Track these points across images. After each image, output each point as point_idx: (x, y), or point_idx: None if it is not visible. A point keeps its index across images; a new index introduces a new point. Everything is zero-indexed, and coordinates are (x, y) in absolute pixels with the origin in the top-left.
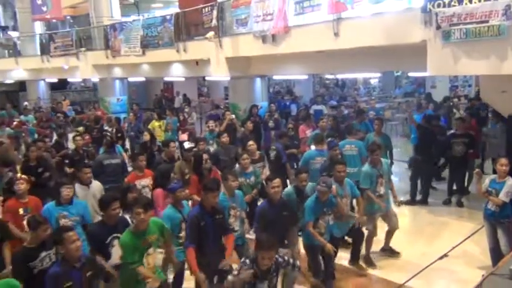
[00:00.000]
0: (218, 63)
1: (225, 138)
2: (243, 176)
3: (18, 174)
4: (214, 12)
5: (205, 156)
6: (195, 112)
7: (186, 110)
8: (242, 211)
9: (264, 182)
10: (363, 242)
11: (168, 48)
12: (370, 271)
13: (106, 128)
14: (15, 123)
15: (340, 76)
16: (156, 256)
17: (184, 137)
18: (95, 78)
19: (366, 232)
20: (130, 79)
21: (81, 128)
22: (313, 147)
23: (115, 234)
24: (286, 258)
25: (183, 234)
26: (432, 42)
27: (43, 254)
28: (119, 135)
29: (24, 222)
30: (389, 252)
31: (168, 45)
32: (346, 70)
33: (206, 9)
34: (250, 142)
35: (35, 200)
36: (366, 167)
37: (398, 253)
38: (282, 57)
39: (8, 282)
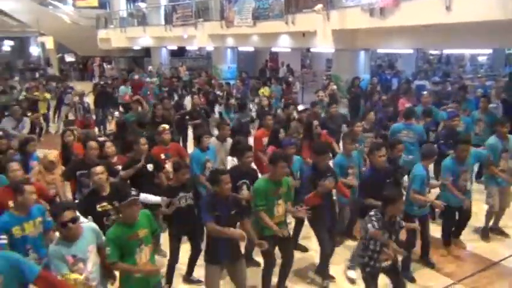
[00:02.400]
0: (324, 36)
1: (334, 108)
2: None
3: (164, 125)
4: None
5: (315, 122)
6: (298, 82)
7: (290, 79)
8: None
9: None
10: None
11: (277, 20)
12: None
13: (218, 92)
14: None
15: (446, 51)
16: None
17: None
18: (210, 47)
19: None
20: (241, 49)
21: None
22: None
23: (245, 180)
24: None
25: None
26: None
27: (181, 194)
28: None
29: (166, 165)
30: (497, 232)
31: (277, 17)
32: (455, 45)
33: None
34: (371, 113)
35: (175, 146)
36: (492, 139)
37: (507, 234)
38: (389, 30)
39: None
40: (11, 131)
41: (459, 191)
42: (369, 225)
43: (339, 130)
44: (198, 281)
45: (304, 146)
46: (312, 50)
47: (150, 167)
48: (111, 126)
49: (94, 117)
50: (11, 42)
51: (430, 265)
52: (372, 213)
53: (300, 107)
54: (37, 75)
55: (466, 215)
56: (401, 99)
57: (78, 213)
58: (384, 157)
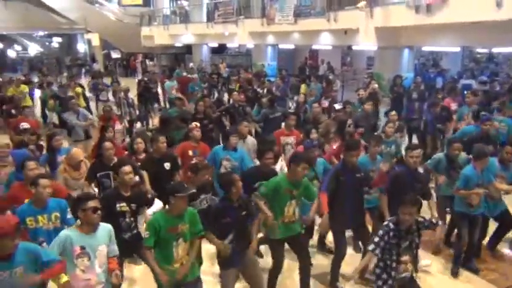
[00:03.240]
0: (367, 33)
1: (369, 106)
2: (384, 144)
3: (194, 123)
4: None
5: (349, 121)
6: (338, 80)
7: (330, 77)
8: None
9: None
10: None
11: (319, 18)
12: None
13: (258, 89)
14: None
15: (496, 50)
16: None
17: (325, 103)
18: (250, 44)
19: None
20: (281, 46)
21: (238, 86)
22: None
23: (262, 181)
24: (427, 218)
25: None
26: None
27: (202, 196)
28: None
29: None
30: None
31: (319, 15)
32: (505, 43)
33: None
34: (393, 112)
35: (204, 146)
36: None
37: None
38: (435, 27)
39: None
40: (78, 122)
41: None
42: (375, 237)
43: (373, 129)
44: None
45: (334, 146)
46: (353, 47)
47: (167, 165)
48: (154, 122)
49: (137, 112)
50: (60, 39)
51: (473, 270)
52: (385, 222)
53: (336, 106)
54: (83, 71)
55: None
56: (447, 99)
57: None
58: (416, 159)
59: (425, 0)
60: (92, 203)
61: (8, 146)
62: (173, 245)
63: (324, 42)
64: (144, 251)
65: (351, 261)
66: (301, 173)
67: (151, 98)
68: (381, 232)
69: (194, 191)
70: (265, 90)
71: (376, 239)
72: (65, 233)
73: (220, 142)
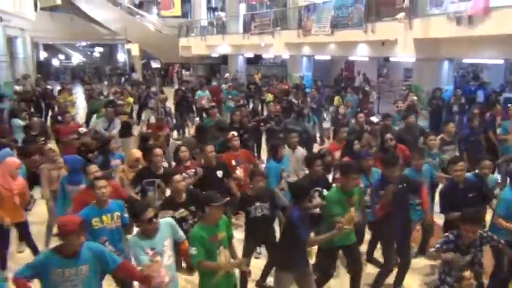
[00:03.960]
0: (405, 44)
1: (412, 118)
2: (429, 156)
3: (232, 133)
4: None
5: (388, 135)
6: (374, 92)
7: (367, 89)
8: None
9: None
10: None
11: (356, 29)
12: None
13: (293, 100)
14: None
15: None
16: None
17: (361, 116)
18: (286, 55)
19: None
20: (317, 57)
21: (270, 96)
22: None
23: (316, 188)
24: (490, 233)
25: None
26: None
27: (257, 204)
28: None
29: (237, 171)
30: None
31: (356, 26)
32: None
33: None
34: (451, 124)
35: (245, 153)
36: None
37: None
38: (477, 39)
39: None
40: (103, 131)
41: None
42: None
43: (416, 142)
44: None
45: (377, 159)
46: (390, 59)
47: (219, 173)
48: (191, 131)
49: (174, 121)
50: (101, 49)
51: None
52: (446, 234)
53: (373, 119)
54: (123, 80)
55: None
56: (488, 112)
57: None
58: (461, 172)
59: (467, 12)
60: (150, 213)
61: (54, 151)
62: (217, 253)
63: (361, 54)
64: (202, 264)
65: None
66: (353, 183)
67: (188, 107)
68: (441, 240)
69: (228, 199)
70: (299, 101)
71: (437, 245)
72: (133, 239)
73: (255, 151)
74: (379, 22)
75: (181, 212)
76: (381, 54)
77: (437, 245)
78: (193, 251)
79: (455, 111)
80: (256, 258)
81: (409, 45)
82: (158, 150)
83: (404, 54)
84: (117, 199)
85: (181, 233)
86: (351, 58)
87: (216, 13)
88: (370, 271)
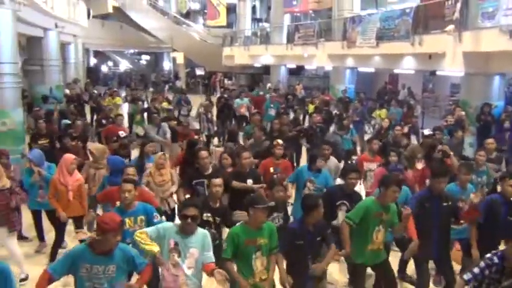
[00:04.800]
0: (454, 58)
1: (458, 134)
2: (475, 174)
3: (278, 140)
4: (458, 5)
5: (440, 146)
6: (419, 106)
7: (411, 102)
8: None
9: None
10: None
11: (402, 41)
12: None
13: (334, 111)
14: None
15: None
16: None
17: (405, 129)
18: (329, 66)
19: None
20: (360, 69)
21: (311, 107)
22: None
23: (344, 201)
24: None
25: None
26: None
27: (275, 214)
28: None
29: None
30: None
31: (403, 38)
32: None
33: (450, 1)
34: (490, 140)
35: (285, 163)
36: None
37: None
38: None
39: None
40: (157, 137)
41: None
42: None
43: (461, 159)
44: None
45: (417, 172)
46: (438, 73)
47: (249, 182)
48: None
49: (215, 128)
50: (147, 57)
51: None
52: (489, 255)
53: (425, 132)
54: (167, 87)
55: None
56: None
57: None
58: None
59: None
60: (189, 211)
61: (106, 151)
62: (252, 258)
63: (407, 67)
64: (224, 263)
65: None
66: (393, 196)
67: (230, 114)
68: (482, 264)
69: (273, 204)
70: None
71: (476, 270)
72: (168, 225)
73: (294, 161)
74: (427, 34)
75: (209, 216)
76: (427, 67)
77: (477, 270)
78: (224, 246)
79: (506, 128)
80: None
81: (458, 58)
82: (204, 153)
83: (452, 68)
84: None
85: (210, 254)
86: (395, 71)
87: (260, 24)
88: None
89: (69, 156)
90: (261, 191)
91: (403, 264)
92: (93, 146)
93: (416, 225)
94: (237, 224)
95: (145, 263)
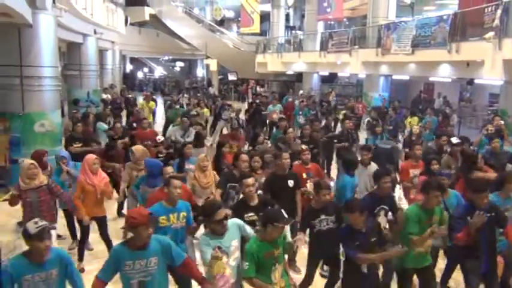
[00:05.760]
0: (493, 66)
1: (496, 143)
2: None
3: (303, 146)
4: (499, 12)
5: (480, 155)
6: (455, 115)
7: (448, 111)
8: None
9: None
10: None
11: (439, 48)
12: None
13: (367, 118)
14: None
15: None
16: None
17: (444, 139)
18: (362, 74)
19: None
20: (395, 77)
21: (342, 113)
22: None
23: (383, 206)
24: None
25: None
26: None
27: (322, 216)
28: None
29: (307, 185)
30: None
31: (440, 45)
32: None
33: (489, 8)
34: None
35: (316, 167)
36: None
37: None
38: None
39: None
40: (180, 138)
41: None
42: None
43: (503, 169)
44: None
45: (458, 182)
46: (476, 81)
47: (290, 183)
48: None
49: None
50: (182, 64)
51: None
52: None
53: (454, 140)
54: (199, 94)
55: None
56: None
57: None
58: None
59: None
60: (218, 216)
61: (147, 153)
62: (272, 270)
63: (443, 74)
64: (251, 282)
65: None
66: (435, 201)
67: (261, 120)
68: None
69: (292, 220)
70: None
71: None
72: (203, 236)
73: (325, 167)
74: (465, 42)
75: (251, 215)
76: (465, 75)
77: None
78: (245, 266)
79: None
80: (322, 276)
81: (498, 66)
82: (244, 156)
83: (491, 76)
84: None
85: (250, 230)
86: (431, 79)
87: (293, 32)
88: None
89: (90, 156)
90: (299, 197)
91: (447, 273)
92: (134, 146)
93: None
94: (251, 240)
95: (184, 256)
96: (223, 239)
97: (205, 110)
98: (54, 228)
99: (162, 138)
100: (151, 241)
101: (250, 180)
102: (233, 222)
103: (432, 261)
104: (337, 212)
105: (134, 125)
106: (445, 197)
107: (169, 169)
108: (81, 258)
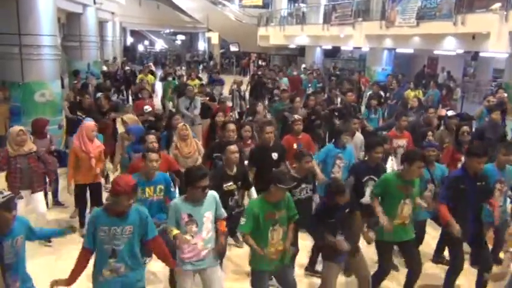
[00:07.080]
0: (499, 38)
1: (497, 115)
2: None
3: (296, 116)
4: None
5: (464, 128)
6: (459, 89)
7: (452, 85)
8: (509, 188)
9: None
10: None
11: (444, 20)
12: None
13: (369, 92)
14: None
15: None
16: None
17: (443, 111)
18: (366, 47)
19: None
20: (398, 50)
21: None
22: None
23: (372, 176)
24: None
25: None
26: None
27: (303, 185)
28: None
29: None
30: None
31: (445, 17)
32: None
33: None
34: None
35: (306, 137)
36: None
37: None
38: None
39: None
40: (184, 111)
41: None
42: None
43: (500, 141)
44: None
45: (447, 150)
46: (481, 54)
47: (275, 155)
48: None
49: (248, 105)
50: (183, 37)
51: None
52: None
53: (449, 113)
54: (201, 67)
55: None
56: None
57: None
58: None
59: None
60: (202, 183)
61: (138, 121)
62: (269, 230)
63: (448, 47)
64: (245, 238)
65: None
66: (417, 172)
67: (263, 92)
68: None
69: (295, 184)
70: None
71: None
72: (175, 202)
73: (327, 139)
74: (471, 13)
75: (229, 185)
76: (470, 48)
77: None
78: (241, 221)
79: None
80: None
81: (504, 39)
82: (231, 125)
83: (496, 49)
84: (168, 171)
85: (222, 211)
86: (436, 52)
87: (296, 4)
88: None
89: (89, 124)
90: (284, 167)
91: (441, 245)
92: (126, 115)
93: (451, 208)
94: (255, 198)
95: (155, 233)
96: (196, 208)
97: (196, 81)
98: (21, 197)
99: (150, 109)
100: (131, 211)
101: (232, 147)
102: (212, 194)
103: (420, 234)
104: (314, 178)
105: (140, 95)
106: (432, 169)
107: (151, 138)
108: (82, 225)
